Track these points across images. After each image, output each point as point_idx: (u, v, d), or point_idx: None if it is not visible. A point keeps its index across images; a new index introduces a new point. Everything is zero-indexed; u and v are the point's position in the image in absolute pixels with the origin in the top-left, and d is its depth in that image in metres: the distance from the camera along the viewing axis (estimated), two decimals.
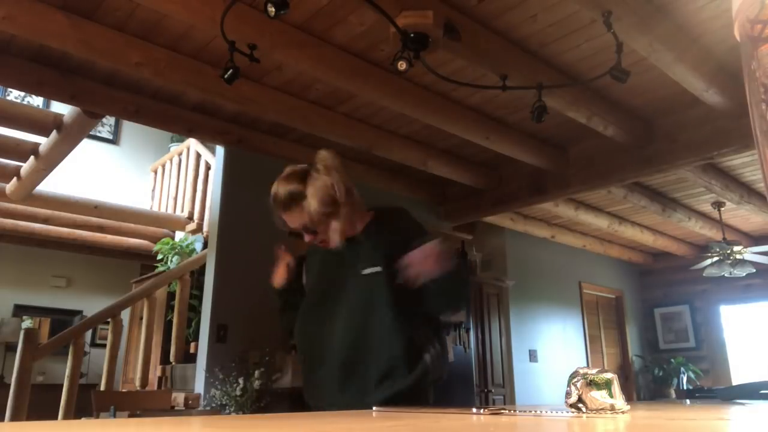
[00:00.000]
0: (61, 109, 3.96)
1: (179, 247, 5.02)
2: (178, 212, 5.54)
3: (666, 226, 6.11)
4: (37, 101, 6.15)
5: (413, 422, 0.85)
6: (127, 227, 5.86)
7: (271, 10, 2.02)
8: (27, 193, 4.69)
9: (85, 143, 4.75)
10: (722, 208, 5.36)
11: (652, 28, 2.61)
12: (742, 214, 5.72)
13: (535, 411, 0.96)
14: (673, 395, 6.53)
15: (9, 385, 3.46)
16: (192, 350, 4.03)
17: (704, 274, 5.56)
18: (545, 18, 2.69)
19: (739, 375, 6.60)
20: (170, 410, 3.43)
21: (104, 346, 4.19)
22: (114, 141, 7.13)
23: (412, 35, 2.29)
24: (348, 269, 1.63)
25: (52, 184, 4.87)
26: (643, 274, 7.57)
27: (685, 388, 6.60)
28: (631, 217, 5.84)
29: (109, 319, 4.01)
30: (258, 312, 3.72)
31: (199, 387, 3.54)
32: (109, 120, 6.96)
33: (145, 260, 6.28)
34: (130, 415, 2.94)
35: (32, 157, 4.26)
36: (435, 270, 1.46)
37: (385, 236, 1.63)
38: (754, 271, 5.44)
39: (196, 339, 3.90)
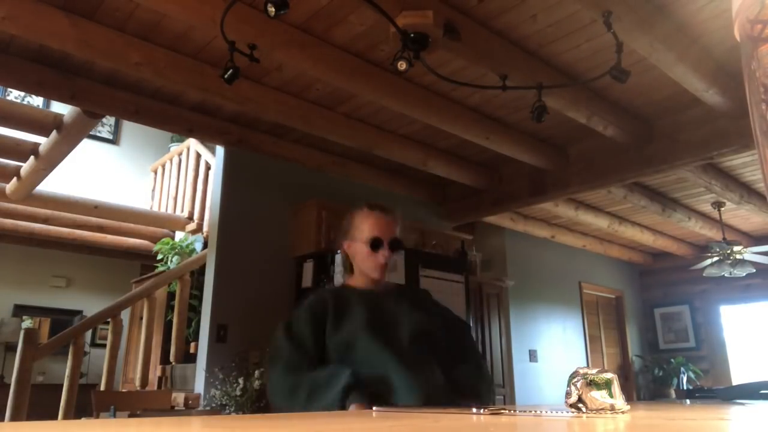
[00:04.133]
0: (61, 109, 3.96)
1: (179, 247, 5.02)
2: (178, 212, 5.54)
3: (666, 226, 6.11)
4: (37, 101, 6.15)
5: (413, 422, 0.85)
6: (127, 227, 5.87)
7: (271, 10, 2.02)
8: (27, 193, 4.69)
9: (85, 143, 4.75)
10: (722, 208, 5.36)
11: (652, 28, 2.61)
12: (742, 214, 5.72)
13: (535, 411, 0.96)
14: (673, 395, 6.53)
15: (9, 385, 3.46)
16: (192, 350, 4.03)
17: (704, 274, 5.56)
18: (545, 18, 2.69)
19: (739, 375, 6.60)
20: (170, 410, 3.43)
21: (104, 346, 4.19)
22: (114, 141, 7.13)
23: (412, 35, 2.29)
24: (396, 315, 1.64)
25: (52, 184, 4.88)
26: (643, 274, 7.57)
27: (685, 388, 6.60)
28: (631, 217, 5.84)
29: (109, 319, 4.01)
30: (258, 312, 3.72)
31: (199, 387, 3.54)
32: (109, 120, 6.96)
33: (145, 260, 6.28)
34: (130, 415, 2.94)
35: (32, 157, 4.26)
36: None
37: (434, 302, 1.79)
38: (754, 271, 5.44)
39: (196, 339, 3.90)
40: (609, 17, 2.39)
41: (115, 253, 6.30)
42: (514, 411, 1.00)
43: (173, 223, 5.58)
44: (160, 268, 5.02)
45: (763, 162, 0.55)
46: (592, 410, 0.82)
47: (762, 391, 1.89)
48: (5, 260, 6.14)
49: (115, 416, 2.99)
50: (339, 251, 1.76)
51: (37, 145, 4.19)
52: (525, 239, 5.93)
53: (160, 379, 4.31)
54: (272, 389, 1.54)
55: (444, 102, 3.44)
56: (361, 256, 1.66)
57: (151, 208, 6.16)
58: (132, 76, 3.18)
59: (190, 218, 5.29)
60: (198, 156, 5.42)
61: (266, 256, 3.91)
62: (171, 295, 4.50)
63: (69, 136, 3.85)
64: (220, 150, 4.07)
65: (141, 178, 6.81)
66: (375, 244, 1.63)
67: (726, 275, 5.46)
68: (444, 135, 3.88)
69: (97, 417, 3.04)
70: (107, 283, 6.44)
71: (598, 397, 0.83)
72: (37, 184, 4.63)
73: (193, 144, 5.47)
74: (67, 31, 2.65)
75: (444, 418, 0.92)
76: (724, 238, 5.50)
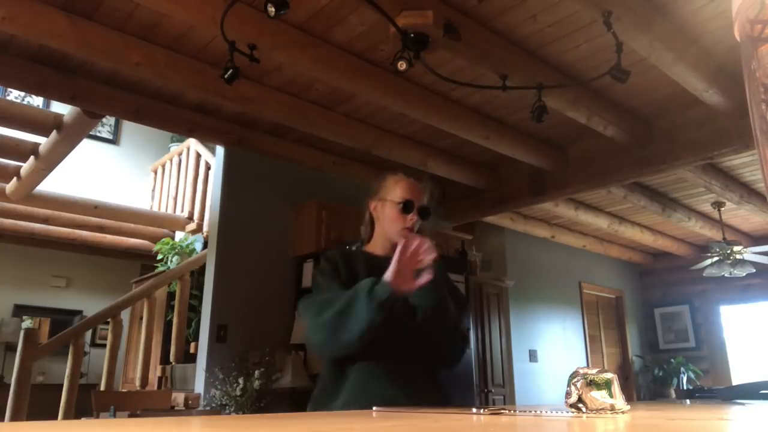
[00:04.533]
0: (61, 109, 3.96)
1: (179, 247, 5.02)
2: (178, 212, 5.54)
3: (666, 226, 6.11)
4: (37, 101, 6.15)
5: (413, 422, 0.85)
6: (127, 227, 5.87)
7: (271, 10, 2.02)
8: (27, 193, 4.69)
9: (85, 143, 4.75)
10: (722, 208, 5.36)
11: (652, 28, 2.61)
12: (742, 214, 5.72)
13: (535, 411, 0.96)
14: (673, 395, 6.53)
15: (9, 385, 3.46)
16: (192, 350, 4.03)
17: (704, 274, 5.56)
18: (545, 18, 2.69)
19: (739, 375, 6.60)
20: (170, 410, 3.43)
21: (104, 346, 4.19)
22: (114, 141, 7.13)
23: (412, 35, 2.29)
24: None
25: (52, 184, 4.88)
26: (643, 274, 7.57)
27: (685, 388, 6.60)
28: (631, 217, 5.84)
29: (109, 319, 4.01)
30: (258, 312, 3.73)
31: (199, 387, 3.54)
32: (109, 120, 6.96)
33: (145, 260, 6.28)
34: (130, 415, 2.94)
35: (32, 157, 4.26)
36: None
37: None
38: (754, 271, 5.44)
39: (196, 339, 3.90)
40: (609, 17, 2.39)
41: (115, 253, 6.30)
42: (514, 411, 1.00)
43: (173, 223, 5.58)
44: (160, 268, 5.03)
45: (763, 162, 0.55)
46: (592, 410, 0.82)
47: (762, 391, 1.89)
48: (5, 260, 6.14)
49: (115, 416, 2.99)
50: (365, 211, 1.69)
51: (37, 145, 4.19)
52: (525, 239, 5.93)
53: (160, 379, 4.31)
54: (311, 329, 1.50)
55: (444, 102, 3.44)
56: (389, 218, 1.62)
57: (151, 208, 6.16)
58: (132, 76, 3.18)
59: (190, 218, 5.29)
60: (198, 156, 5.42)
61: (266, 256, 3.91)
62: (171, 295, 4.50)
63: (69, 136, 3.85)
64: (220, 150, 4.07)
65: (141, 178, 6.81)
66: (406, 207, 1.60)
67: (726, 275, 5.46)
68: (444, 135, 3.88)
69: (97, 417, 3.05)
70: (107, 283, 6.44)
71: (598, 397, 0.83)
72: (37, 184, 4.63)
73: (193, 144, 5.47)
74: (67, 31, 2.65)
75: (444, 418, 0.92)
76: (724, 238, 5.50)
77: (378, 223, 1.67)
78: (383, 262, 1.54)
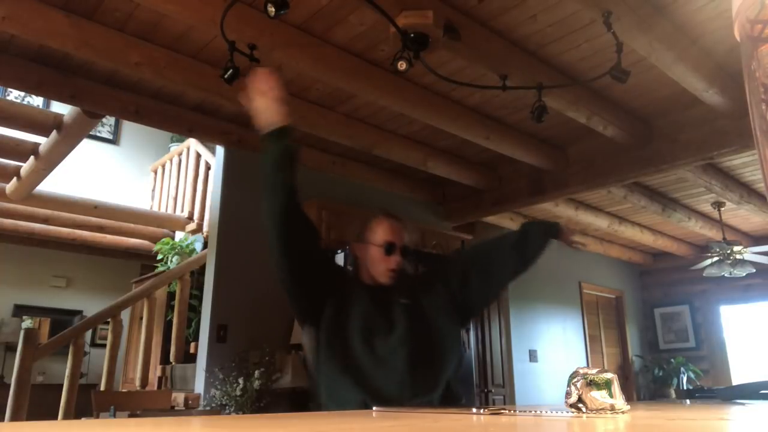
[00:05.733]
0: (61, 109, 3.96)
1: (179, 247, 5.02)
2: (178, 212, 5.54)
3: (666, 226, 6.10)
4: (37, 101, 6.15)
5: (413, 422, 0.85)
6: (127, 227, 5.86)
7: (271, 10, 2.02)
8: (27, 193, 4.69)
9: (85, 143, 4.75)
10: (722, 208, 5.36)
11: (652, 28, 2.61)
12: (742, 214, 5.72)
13: (535, 411, 0.96)
14: (673, 395, 6.53)
15: (9, 385, 3.46)
16: (192, 350, 4.03)
17: (704, 274, 5.56)
18: (545, 18, 2.69)
19: (739, 375, 6.60)
20: (170, 410, 3.43)
21: (104, 346, 4.19)
22: (114, 141, 7.13)
23: (412, 35, 2.29)
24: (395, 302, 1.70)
25: (52, 184, 4.87)
26: (643, 274, 7.57)
27: (685, 388, 6.60)
28: (631, 217, 5.84)
29: (109, 319, 4.01)
30: (258, 312, 3.72)
31: (199, 387, 3.54)
32: (109, 120, 6.96)
33: (145, 260, 6.28)
34: (130, 415, 2.94)
35: (32, 157, 4.26)
36: None
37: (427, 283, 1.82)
38: (754, 271, 5.44)
39: (196, 339, 3.90)
40: (609, 17, 2.39)
41: (115, 253, 6.30)
42: (514, 411, 1.00)
43: (173, 223, 5.58)
44: (160, 268, 5.02)
45: (763, 162, 0.55)
46: (592, 410, 0.82)
47: (762, 391, 1.89)
48: (5, 260, 6.14)
49: (115, 416, 2.99)
50: (347, 252, 1.83)
51: (37, 145, 4.19)
52: None
53: (160, 379, 4.31)
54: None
55: (444, 102, 3.44)
56: (373, 259, 1.68)
57: (151, 208, 6.16)
58: (132, 76, 3.18)
59: (190, 218, 5.29)
60: (198, 156, 5.42)
61: (266, 256, 3.90)
62: (171, 295, 4.50)
63: (69, 136, 3.85)
64: (220, 150, 4.07)
65: (141, 178, 6.81)
66: (389, 248, 1.66)
67: (726, 275, 5.46)
68: (444, 135, 3.88)
69: (97, 417, 3.05)
70: (107, 283, 6.43)
71: (598, 397, 0.83)
72: (37, 184, 4.62)
73: (193, 144, 5.47)
74: (67, 31, 2.65)
75: (444, 418, 0.92)
76: (724, 238, 5.50)
77: (362, 263, 1.73)
78: (378, 290, 1.67)
